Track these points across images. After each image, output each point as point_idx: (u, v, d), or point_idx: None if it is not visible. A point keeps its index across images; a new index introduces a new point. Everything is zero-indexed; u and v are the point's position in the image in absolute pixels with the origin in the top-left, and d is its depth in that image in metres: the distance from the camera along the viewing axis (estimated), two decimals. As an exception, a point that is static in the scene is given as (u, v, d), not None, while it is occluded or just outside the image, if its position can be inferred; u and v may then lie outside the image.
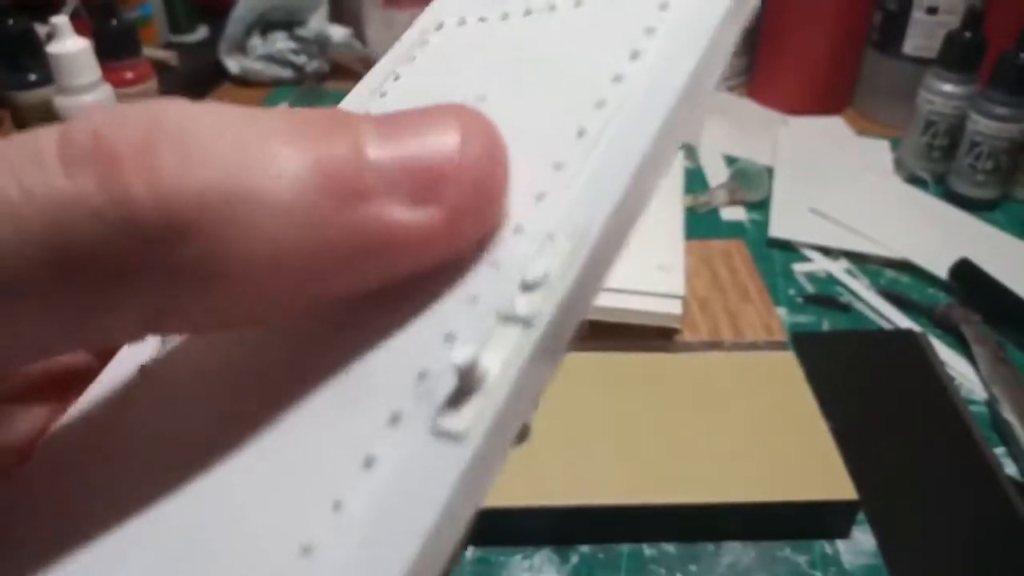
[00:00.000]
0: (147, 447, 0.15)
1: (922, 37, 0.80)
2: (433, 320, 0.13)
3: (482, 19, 0.19)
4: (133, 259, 0.11)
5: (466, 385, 0.12)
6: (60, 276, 0.11)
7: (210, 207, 0.11)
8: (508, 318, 0.12)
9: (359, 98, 0.20)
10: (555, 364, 0.13)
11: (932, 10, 0.79)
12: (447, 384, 0.12)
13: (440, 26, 0.20)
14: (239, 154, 0.12)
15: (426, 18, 0.21)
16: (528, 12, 0.18)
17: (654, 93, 0.15)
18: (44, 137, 0.11)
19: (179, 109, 0.12)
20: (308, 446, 0.13)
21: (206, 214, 0.11)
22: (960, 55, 0.71)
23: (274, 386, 0.14)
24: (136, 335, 0.13)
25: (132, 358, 0.17)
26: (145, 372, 0.17)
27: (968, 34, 0.70)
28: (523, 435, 0.13)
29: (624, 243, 0.14)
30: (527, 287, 0.13)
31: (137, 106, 0.12)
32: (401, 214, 0.12)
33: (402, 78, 0.19)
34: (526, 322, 0.12)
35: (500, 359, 0.12)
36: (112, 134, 0.11)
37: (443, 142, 0.13)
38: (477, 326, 0.13)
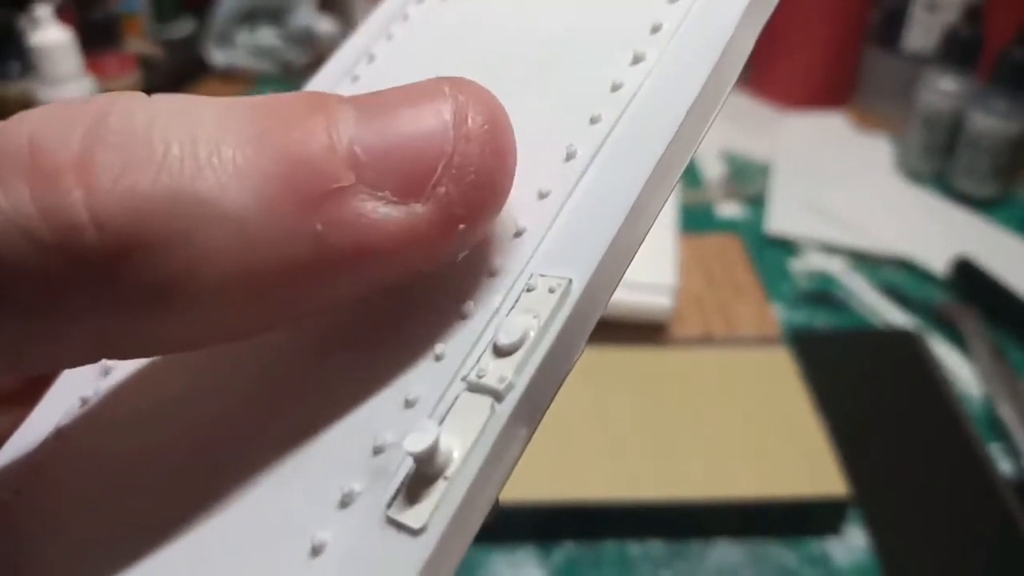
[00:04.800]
0: (76, 511, 0.13)
1: (921, 34, 0.79)
2: (394, 377, 0.12)
3: None
4: (73, 283, 0.10)
5: (425, 471, 0.10)
6: None
7: (155, 221, 0.10)
8: (476, 387, 0.11)
9: (328, 80, 0.18)
10: (530, 433, 0.11)
11: (931, 6, 0.78)
12: (404, 463, 0.11)
13: None
14: (190, 154, 0.10)
15: None
16: None
17: (657, 107, 0.13)
18: None
19: (127, 106, 0.10)
20: (253, 523, 0.11)
21: (152, 229, 0.10)
22: (959, 52, 0.70)
23: (223, 442, 0.13)
24: (88, 361, 0.11)
25: (72, 387, 0.15)
26: (87, 412, 0.15)
27: (967, 31, 0.70)
28: (493, 512, 0.11)
29: (614, 288, 0.12)
30: (500, 351, 0.11)
31: (82, 103, 0.11)
32: (382, 212, 0.11)
33: (378, 59, 0.17)
34: (497, 395, 0.11)
35: (464, 441, 0.10)
36: (49, 140, 0.10)
37: (433, 122, 0.11)
38: (440, 391, 0.11)
